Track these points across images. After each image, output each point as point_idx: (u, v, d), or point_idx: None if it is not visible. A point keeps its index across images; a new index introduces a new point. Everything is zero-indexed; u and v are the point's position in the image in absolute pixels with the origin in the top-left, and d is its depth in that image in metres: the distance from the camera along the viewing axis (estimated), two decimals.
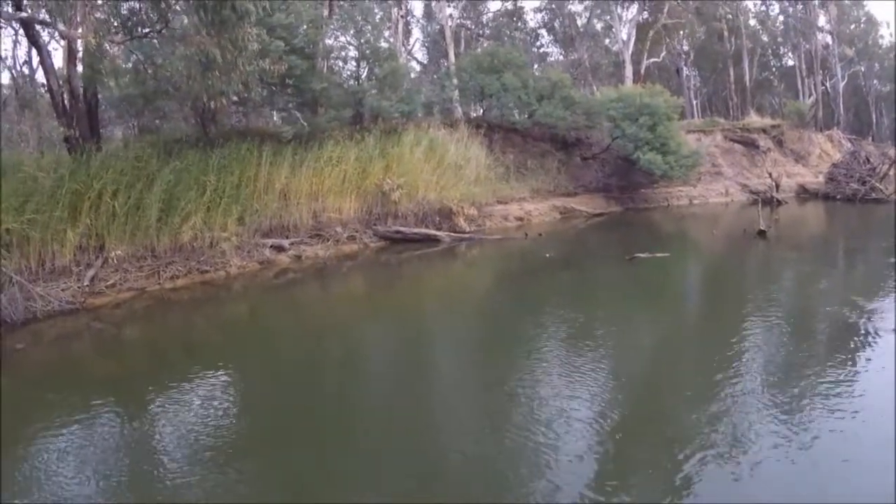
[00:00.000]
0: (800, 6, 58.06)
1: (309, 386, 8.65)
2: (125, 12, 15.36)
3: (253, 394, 8.47)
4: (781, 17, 61.04)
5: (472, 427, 7.27)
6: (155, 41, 16.52)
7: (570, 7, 50.18)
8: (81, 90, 16.26)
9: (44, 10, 15.16)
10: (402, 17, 38.92)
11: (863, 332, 10.15)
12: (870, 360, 8.89)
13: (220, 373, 8.97)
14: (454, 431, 7.22)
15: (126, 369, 9.52)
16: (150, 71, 16.88)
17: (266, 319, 12.76)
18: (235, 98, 18.95)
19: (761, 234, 21.07)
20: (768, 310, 12.05)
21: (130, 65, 17.92)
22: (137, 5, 15.43)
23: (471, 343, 11.00)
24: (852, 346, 9.50)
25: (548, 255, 18.24)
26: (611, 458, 6.40)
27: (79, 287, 12.97)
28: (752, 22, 59.00)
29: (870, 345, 9.56)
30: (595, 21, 51.01)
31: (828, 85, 60.33)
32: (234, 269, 15.50)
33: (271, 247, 16.90)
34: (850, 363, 8.77)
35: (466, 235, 20.82)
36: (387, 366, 9.89)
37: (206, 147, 17.75)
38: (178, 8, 15.60)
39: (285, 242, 17.26)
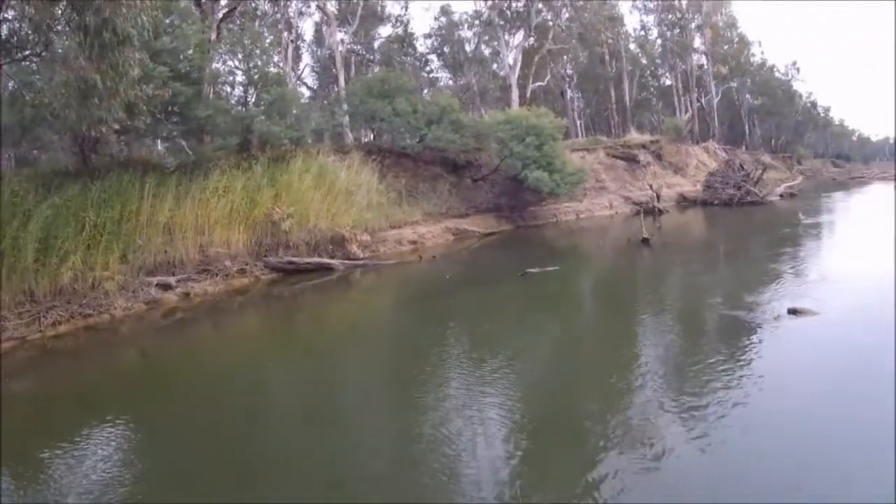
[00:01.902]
0: (676, 30, 60.75)
1: (210, 433, 8.24)
2: (5, 33, 14.60)
3: (150, 448, 7.99)
4: (659, 41, 63.89)
5: (389, 449, 7.49)
6: (34, 65, 15.80)
7: (458, 33, 50.99)
8: None
9: None
10: (291, 41, 38.66)
11: (746, 323, 11.08)
12: (754, 347, 9.77)
13: (113, 427, 8.43)
14: (369, 459, 7.28)
15: (9, 429, 8.88)
16: (27, 97, 16.09)
17: (156, 366, 12.03)
18: (117, 126, 18.20)
19: (645, 242, 22.47)
20: (655, 311, 13.00)
21: (7, 91, 17.06)
22: (18, 25, 14.69)
23: (376, 369, 10.99)
24: (738, 336, 10.36)
25: (448, 277, 18.33)
26: (527, 460, 6.67)
27: None
28: (632, 46, 61.90)
29: (753, 334, 10.45)
30: (483, 47, 52.08)
31: (703, 101, 63.69)
32: (119, 312, 14.72)
33: (157, 285, 16.13)
34: (737, 352, 9.53)
35: (360, 262, 20.71)
36: (291, 405, 9.62)
37: (87, 179, 16.91)
38: (59, 28, 14.92)
39: (172, 280, 16.53)
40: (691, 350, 9.99)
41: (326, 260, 20.17)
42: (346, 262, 20.41)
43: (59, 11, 13.97)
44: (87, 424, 8.48)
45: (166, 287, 16.31)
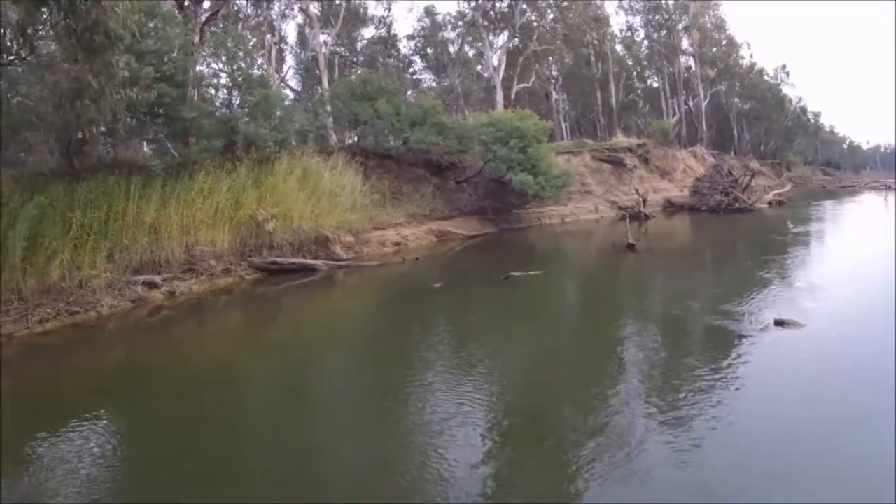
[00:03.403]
0: (664, 32, 60.75)
1: (192, 429, 8.36)
2: None
3: (133, 443, 8.07)
4: (646, 42, 63.70)
5: (364, 447, 7.57)
6: (20, 69, 15.95)
7: (442, 34, 51.10)
8: None
9: None
10: (275, 43, 38.80)
11: (732, 333, 11.10)
12: (740, 359, 9.74)
13: (100, 423, 8.54)
14: (347, 457, 7.43)
15: None
16: (14, 101, 16.21)
17: (143, 363, 11.94)
18: (103, 128, 18.36)
19: (630, 247, 22.39)
20: (640, 318, 12.99)
21: None
22: (1, 31, 14.79)
23: (356, 369, 11.10)
24: (724, 347, 10.37)
25: (430, 279, 18.26)
26: (508, 464, 6.86)
27: None
28: (618, 47, 61.63)
29: (739, 345, 10.44)
30: (467, 48, 52.18)
31: (691, 104, 63.45)
32: (105, 310, 14.86)
33: (143, 284, 16.29)
34: (722, 363, 9.53)
35: (344, 263, 20.88)
36: (273, 402, 9.71)
37: (73, 180, 17.16)
38: (43, 34, 15.05)
39: (158, 279, 16.71)
40: (675, 360, 9.93)
41: (310, 261, 20.36)
42: (330, 262, 20.59)
43: (45, 15, 14.14)
44: (72, 419, 8.56)
45: (152, 286, 16.49)
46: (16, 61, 15.13)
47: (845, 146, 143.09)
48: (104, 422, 8.66)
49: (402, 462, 7.01)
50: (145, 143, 25.13)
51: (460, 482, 6.40)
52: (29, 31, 14.07)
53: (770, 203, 41.92)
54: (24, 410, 9.48)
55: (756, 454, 6.67)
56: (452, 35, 51.58)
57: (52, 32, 14.71)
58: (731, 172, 41.38)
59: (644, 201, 36.15)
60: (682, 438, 7.07)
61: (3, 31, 14.69)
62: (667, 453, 6.77)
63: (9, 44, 14.61)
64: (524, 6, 46.17)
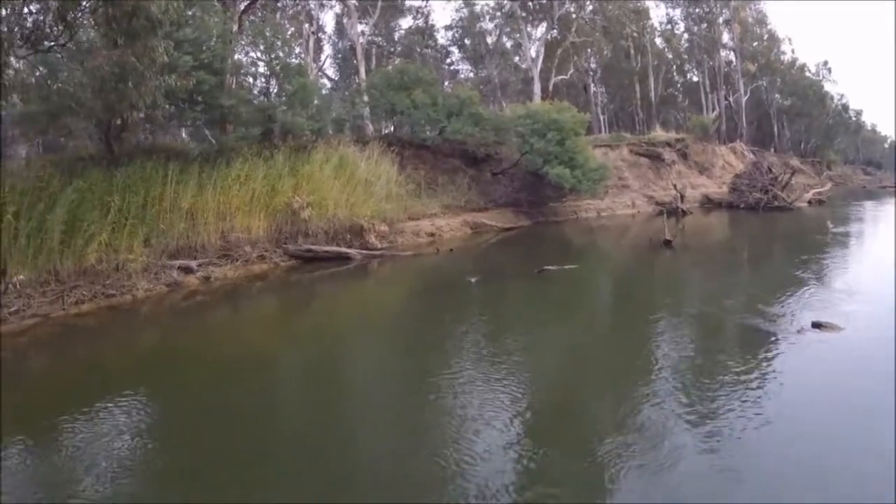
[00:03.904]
0: (704, 25, 60.00)
1: (220, 412, 8.32)
2: (29, 25, 14.88)
3: (167, 428, 8.05)
4: (686, 36, 62.99)
5: (393, 436, 7.44)
6: (59, 55, 16.14)
7: (480, 25, 50.91)
8: None
9: None
10: (313, 33, 38.92)
11: (768, 335, 10.69)
12: (776, 361, 9.38)
13: (131, 404, 8.51)
14: (375, 445, 7.33)
15: (31, 401, 8.98)
16: (55, 86, 16.41)
17: (177, 347, 11.98)
18: (142, 115, 18.50)
19: (667, 243, 21.91)
20: (675, 317, 12.64)
21: (34, 80, 17.40)
22: (41, 18, 14.97)
23: (389, 358, 11.04)
24: (759, 349, 9.98)
25: (465, 272, 18.05)
26: (540, 455, 6.71)
27: None
28: (658, 40, 60.98)
29: (775, 347, 10.07)
30: (505, 39, 51.95)
31: (731, 99, 62.56)
32: (140, 293, 14.98)
33: (179, 268, 16.38)
34: (757, 365, 9.19)
35: (378, 252, 20.87)
36: (311, 392, 9.63)
37: (111, 165, 17.38)
38: (84, 21, 15.21)
39: (193, 264, 16.78)
40: (709, 359, 9.64)
41: (344, 249, 20.35)
42: (364, 251, 20.58)
43: (85, 2, 14.30)
44: (105, 399, 8.58)
45: (188, 270, 16.58)
46: (55, 48, 15.32)
47: (887, 146, 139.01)
48: (137, 403, 8.63)
49: (434, 449, 6.88)
50: (183, 130, 25.40)
51: (493, 472, 6.29)
52: (69, 17, 14.23)
53: (810, 202, 40.57)
54: (57, 387, 9.61)
55: (786, 456, 6.47)
56: (490, 26, 51.28)
57: (91, 19, 14.89)
58: (770, 170, 40.36)
59: (682, 197, 35.45)
60: (714, 437, 6.88)
61: (42, 17, 14.89)
62: (697, 451, 6.60)
63: (48, 30, 14.80)
64: None
